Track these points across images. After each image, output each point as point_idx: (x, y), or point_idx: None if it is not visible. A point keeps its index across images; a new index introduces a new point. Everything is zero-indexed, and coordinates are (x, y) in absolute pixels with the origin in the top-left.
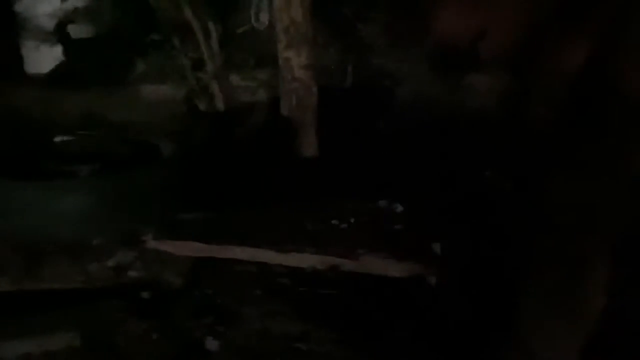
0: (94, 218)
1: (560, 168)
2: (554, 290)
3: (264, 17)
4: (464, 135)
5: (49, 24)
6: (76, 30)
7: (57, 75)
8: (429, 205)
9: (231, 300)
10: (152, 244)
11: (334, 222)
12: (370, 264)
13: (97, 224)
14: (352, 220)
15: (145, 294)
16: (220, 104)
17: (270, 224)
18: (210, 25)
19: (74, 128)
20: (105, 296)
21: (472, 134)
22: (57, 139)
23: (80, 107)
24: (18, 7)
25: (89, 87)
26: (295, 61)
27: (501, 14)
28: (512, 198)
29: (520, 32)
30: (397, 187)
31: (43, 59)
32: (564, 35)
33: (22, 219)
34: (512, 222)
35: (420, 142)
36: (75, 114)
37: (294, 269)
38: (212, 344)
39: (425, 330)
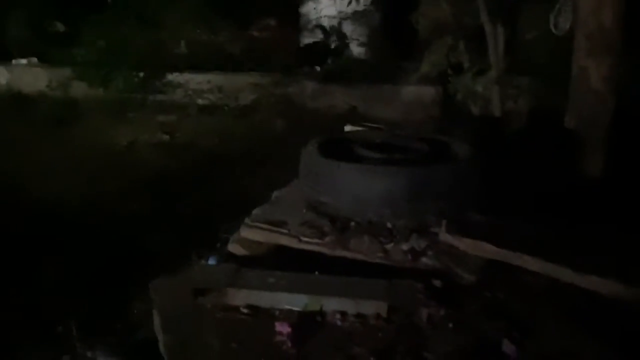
0: (395, 203)
1: None
2: None
3: (565, 22)
4: None
5: (330, 24)
6: (352, 31)
7: (330, 72)
8: None
9: (523, 310)
10: (444, 236)
11: None
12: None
13: (396, 209)
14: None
15: (437, 282)
16: (497, 109)
17: (563, 240)
18: (500, 30)
19: (340, 121)
20: (400, 276)
21: None
22: (347, 128)
23: (348, 102)
24: (303, 9)
25: (357, 84)
26: (594, 71)
27: None
28: None
29: None
30: None
31: (320, 56)
32: None
33: (336, 194)
34: None
35: None
36: (343, 108)
37: (589, 292)
38: (509, 347)
39: None
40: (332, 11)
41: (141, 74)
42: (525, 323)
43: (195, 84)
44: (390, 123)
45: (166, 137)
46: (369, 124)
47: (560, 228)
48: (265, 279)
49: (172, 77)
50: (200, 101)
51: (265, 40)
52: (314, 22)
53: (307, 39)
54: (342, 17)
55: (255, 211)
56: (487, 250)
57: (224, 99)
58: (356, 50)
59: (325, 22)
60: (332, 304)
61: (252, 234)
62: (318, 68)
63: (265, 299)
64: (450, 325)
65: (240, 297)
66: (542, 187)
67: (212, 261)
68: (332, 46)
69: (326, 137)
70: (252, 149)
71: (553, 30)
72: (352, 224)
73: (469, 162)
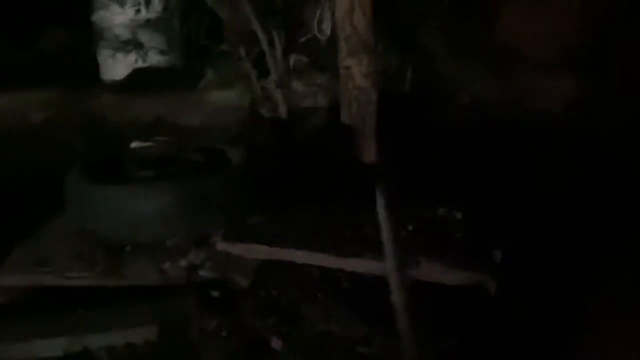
0: (169, 220)
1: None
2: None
3: (327, 27)
4: (528, 140)
5: (124, 33)
6: (148, 40)
7: (130, 82)
8: (490, 213)
9: (294, 303)
10: (220, 245)
11: None
12: (427, 272)
13: (171, 226)
14: (410, 227)
15: (214, 293)
16: (283, 111)
17: (331, 229)
18: (275, 35)
19: (146, 132)
20: (178, 293)
21: (537, 140)
22: (134, 144)
23: (152, 113)
24: (94, 18)
25: (160, 94)
26: (356, 69)
27: (568, 15)
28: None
29: (589, 34)
30: (458, 195)
31: (118, 66)
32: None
33: (105, 220)
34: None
35: (482, 148)
36: (147, 119)
37: (354, 273)
38: (276, 343)
39: (484, 336)
40: (123, 19)
41: None
42: (294, 315)
43: None
44: (196, 130)
45: None
46: (159, 138)
47: (330, 216)
48: (19, 328)
49: None
50: None
51: (55, 52)
52: (107, 32)
53: (101, 49)
54: (137, 25)
55: (14, 252)
56: (260, 251)
57: (6, 121)
58: (155, 58)
59: (119, 31)
60: (97, 341)
61: (5, 279)
62: (117, 79)
63: (17, 352)
64: (224, 333)
65: None
66: (322, 178)
67: None
68: (130, 55)
69: (93, 159)
70: (43, 174)
71: (317, 35)
72: (127, 248)
73: (242, 168)
